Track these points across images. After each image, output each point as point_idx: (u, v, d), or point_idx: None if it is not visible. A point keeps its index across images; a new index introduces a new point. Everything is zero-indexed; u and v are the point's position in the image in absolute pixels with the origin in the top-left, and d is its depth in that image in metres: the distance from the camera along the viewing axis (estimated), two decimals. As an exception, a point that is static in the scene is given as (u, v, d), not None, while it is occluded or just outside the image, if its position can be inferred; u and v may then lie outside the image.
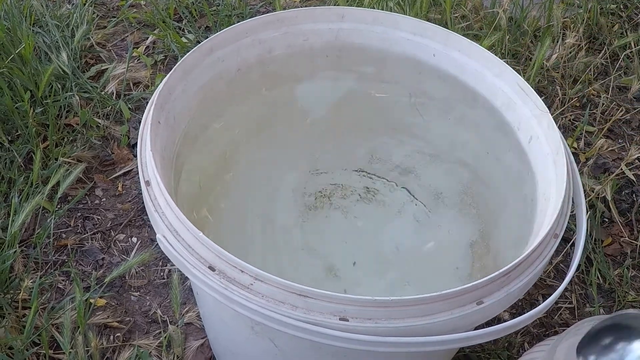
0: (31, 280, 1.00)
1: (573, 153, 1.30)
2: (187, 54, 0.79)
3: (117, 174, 1.21)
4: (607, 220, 1.22)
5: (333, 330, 0.57)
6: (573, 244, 1.10)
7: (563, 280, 1.12)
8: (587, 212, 1.17)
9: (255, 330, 0.68)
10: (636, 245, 1.18)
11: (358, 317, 0.57)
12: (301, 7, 1.40)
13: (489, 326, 0.62)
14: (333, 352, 0.66)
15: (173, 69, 0.77)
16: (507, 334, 0.63)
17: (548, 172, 0.76)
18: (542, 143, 0.79)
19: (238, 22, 0.86)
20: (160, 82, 0.77)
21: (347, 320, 0.57)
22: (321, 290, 0.57)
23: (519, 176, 0.83)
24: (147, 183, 0.67)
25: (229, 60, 0.85)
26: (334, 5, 1.41)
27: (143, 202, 0.68)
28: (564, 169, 0.71)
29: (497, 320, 1.05)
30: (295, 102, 0.99)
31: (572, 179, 0.73)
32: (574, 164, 0.76)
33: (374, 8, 1.33)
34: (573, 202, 0.74)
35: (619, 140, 1.36)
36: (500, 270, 0.61)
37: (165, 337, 0.97)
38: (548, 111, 0.78)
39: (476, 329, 0.63)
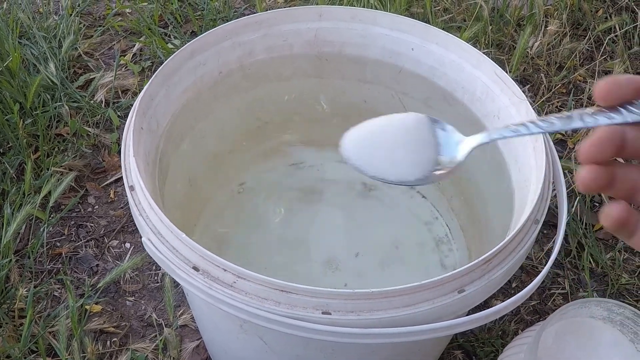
0: (26, 290, 1.01)
1: (560, 139, 1.31)
2: (168, 59, 0.80)
3: (108, 181, 1.22)
4: (597, 204, 1.23)
5: (317, 324, 0.58)
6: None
7: (556, 266, 1.13)
8: (576, 197, 1.18)
9: (244, 329, 0.69)
10: (627, 228, 1.19)
11: (340, 310, 0.58)
12: (284, 7, 1.41)
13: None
14: (320, 347, 0.67)
15: (154, 75, 0.78)
16: (490, 320, 0.64)
17: (528, 159, 0.77)
18: (521, 131, 0.79)
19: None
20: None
21: (330, 314, 0.58)
22: (303, 285, 0.58)
23: (500, 165, 0.84)
24: (131, 188, 0.68)
25: (210, 64, 0.86)
26: (315, 4, 1.42)
27: (130, 207, 0.69)
28: (543, 155, 0.72)
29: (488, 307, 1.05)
30: (280, 102, 1.00)
31: (551, 164, 0.74)
32: (554, 150, 0.77)
33: (354, 5, 1.34)
34: (555, 187, 0.75)
35: (606, 125, 1.36)
36: (480, 258, 0.62)
37: (161, 340, 0.98)
38: (526, 99, 0.79)
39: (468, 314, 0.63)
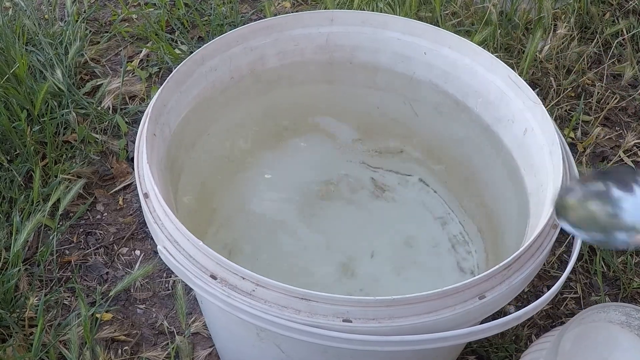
0: (36, 298, 1.00)
1: (570, 143, 1.31)
2: (179, 65, 0.80)
3: (117, 188, 1.22)
4: (608, 208, 1.22)
5: (337, 332, 0.57)
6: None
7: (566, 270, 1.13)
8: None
9: (260, 337, 0.68)
10: (639, 231, 1.18)
11: (361, 318, 0.57)
12: (292, 13, 1.41)
13: (494, 320, 0.63)
14: (339, 354, 0.66)
15: (166, 81, 0.78)
16: (510, 326, 0.63)
17: (544, 163, 0.77)
18: (537, 135, 0.79)
19: (230, 31, 0.87)
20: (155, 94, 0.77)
21: (351, 322, 0.57)
22: (323, 292, 0.57)
23: (516, 169, 0.84)
24: (146, 195, 0.68)
25: (221, 69, 0.86)
26: (324, 9, 1.42)
27: (144, 215, 0.69)
28: (560, 159, 0.72)
29: (503, 314, 1.05)
30: (290, 108, 1.00)
31: (568, 168, 0.74)
32: (570, 154, 0.77)
33: (364, 9, 1.34)
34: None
35: (616, 128, 1.36)
36: (501, 264, 0.62)
37: (173, 348, 0.97)
38: (541, 102, 0.78)
39: (482, 322, 0.63)
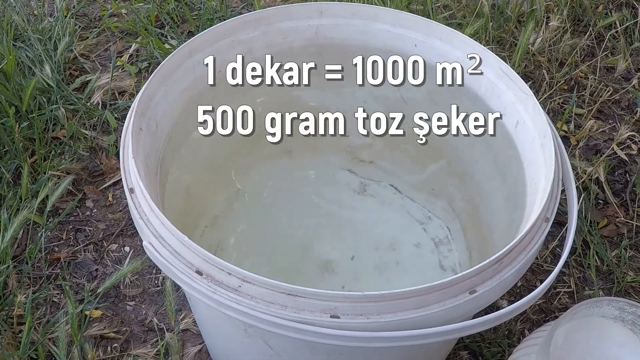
0: (25, 296, 0.99)
1: (563, 136, 1.30)
2: (166, 58, 0.79)
3: (106, 184, 1.21)
4: (601, 201, 1.21)
5: (325, 329, 0.56)
6: (568, 228, 1.09)
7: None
8: (580, 194, 1.17)
9: (248, 333, 0.68)
10: (632, 225, 1.17)
11: (349, 314, 0.57)
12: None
13: (486, 315, 0.62)
14: (328, 350, 0.65)
15: (152, 75, 0.77)
16: (502, 321, 0.62)
17: (536, 156, 0.76)
18: (528, 127, 0.78)
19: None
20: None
21: (339, 318, 0.56)
22: (310, 288, 0.56)
23: (507, 162, 0.83)
24: (131, 190, 0.67)
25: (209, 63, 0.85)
26: (314, 1, 1.40)
27: (130, 210, 0.68)
28: (552, 152, 0.71)
29: (495, 308, 1.04)
30: (279, 101, 0.99)
31: (560, 161, 0.73)
32: (562, 146, 0.76)
33: (353, 2, 1.32)
34: (563, 184, 0.74)
35: (609, 121, 1.35)
36: (492, 258, 0.61)
37: (162, 345, 0.96)
38: (533, 95, 0.78)
39: (474, 317, 0.62)
